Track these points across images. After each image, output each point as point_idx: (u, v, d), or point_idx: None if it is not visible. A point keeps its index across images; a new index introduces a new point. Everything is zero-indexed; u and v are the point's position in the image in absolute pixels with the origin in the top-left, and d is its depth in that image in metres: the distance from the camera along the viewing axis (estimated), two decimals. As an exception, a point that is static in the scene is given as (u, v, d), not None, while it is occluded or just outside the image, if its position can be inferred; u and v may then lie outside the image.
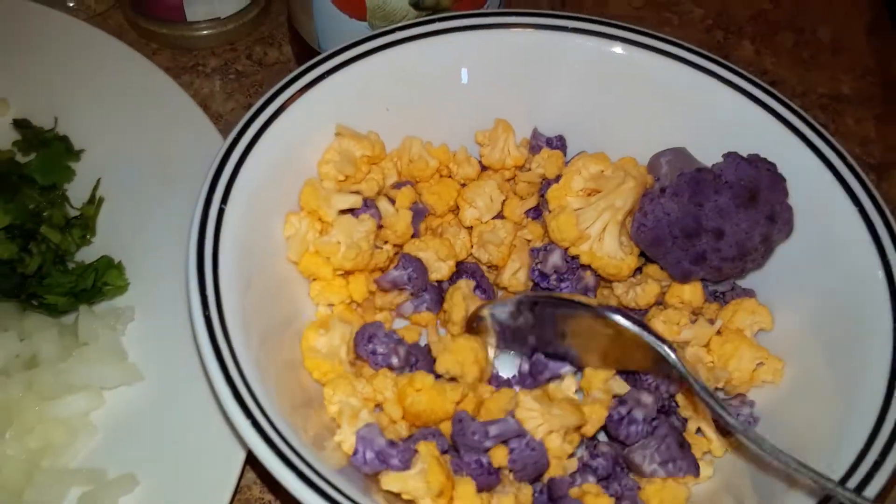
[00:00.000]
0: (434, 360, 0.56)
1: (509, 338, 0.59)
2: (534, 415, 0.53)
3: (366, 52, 0.63)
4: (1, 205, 0.61)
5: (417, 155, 0.65)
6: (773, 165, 0.58)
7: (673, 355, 0.52)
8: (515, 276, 0.63)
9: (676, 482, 0.54)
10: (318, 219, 0.59)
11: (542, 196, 0.66)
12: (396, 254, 0.63)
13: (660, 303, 0.62)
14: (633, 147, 0.65)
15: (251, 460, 0.56)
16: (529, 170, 0.67)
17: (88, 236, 0.65)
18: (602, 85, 0.66)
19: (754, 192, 0.58)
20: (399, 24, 0.64)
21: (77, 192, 0.67)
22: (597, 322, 0.54)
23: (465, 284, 0.61)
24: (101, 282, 0.60)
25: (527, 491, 0.53)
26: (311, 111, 0.60)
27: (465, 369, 0.55)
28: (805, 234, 0.59)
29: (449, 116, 0.66)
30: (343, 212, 0.60)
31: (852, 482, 0.48)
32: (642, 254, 0.61)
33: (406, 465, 0.51)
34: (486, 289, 0.63)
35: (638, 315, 0.62)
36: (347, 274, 0.60)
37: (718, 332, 0.59)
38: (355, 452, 0.51)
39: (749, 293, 0.61)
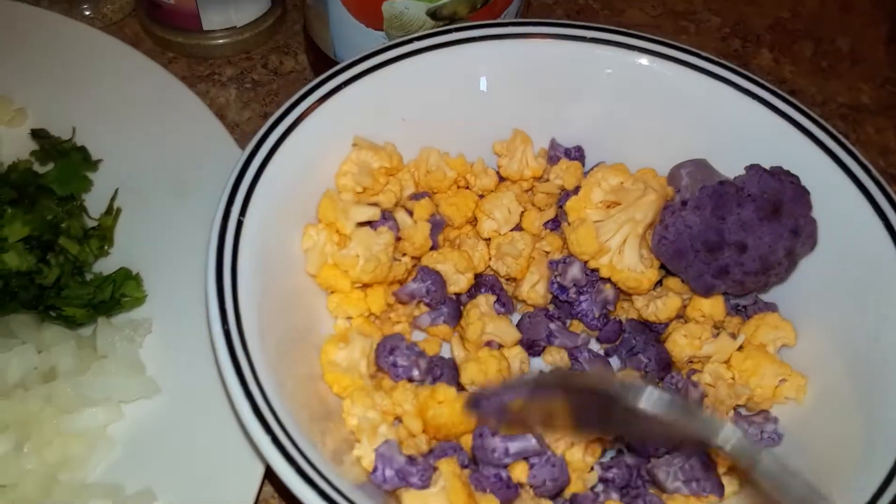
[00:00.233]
0: (457, 372, 0.55)
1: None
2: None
3: (383, 62, 0.62)
4: (19, 216, 0.60)
5: (435, 166, 0.64)
6: (796, 178, 0.58)
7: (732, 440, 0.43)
8: (534, 288, 0.62)
9: (699, 500, 0.53)
10: (336, 231, 0.59)
11: (561, 207, 0.66)
12: (415, 266, 0.62)
13: (680, 316, 0.61)
14: (651, 158, 0.65)
15: (270, 474, 0.56)
16: (548, 181, 0.67)
17: (106, 247, 0.64)
18: (620, 95, 0.65)
19: (778, 206, 0.57)
20: (416, 35, 0.64)
21: (94, 203, 0.67)
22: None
23: (484, 301, 0.60)
24: (118, 293, 0.60)
25: (548, 507, 0.53)
26: (328, 122, 0.60)
27: (489, 378, 0.55)
28: (828, 247, 0.59)
29: (466, 127, 0.66)
30: (361, 224, 0.59)
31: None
32: (662, 266, 0.61)
33: (426, 483, 0.50)
34: (505, 302, 0.63)
35: (658, 329, 0.61)
36: (365, 286, 0.60)
37: (740, 348, 0.58)
38: (374, 470, 0.51)
39: (772, 307, 0.61)
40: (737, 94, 0.63)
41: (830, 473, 0.51)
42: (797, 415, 0.56)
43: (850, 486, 0.48)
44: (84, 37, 0.77)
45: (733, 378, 0.57)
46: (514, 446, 0.51)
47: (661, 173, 0.64)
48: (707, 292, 0.59)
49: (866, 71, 0.88)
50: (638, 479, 0.55)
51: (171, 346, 0.60)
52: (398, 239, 0.62)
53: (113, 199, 0.67)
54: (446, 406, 0.53)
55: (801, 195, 0.57)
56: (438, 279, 0.60)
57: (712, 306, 0.60)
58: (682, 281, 0.60)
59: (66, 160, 0.67)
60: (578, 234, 0.59)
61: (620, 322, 0.62)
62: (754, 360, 0.57)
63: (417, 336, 0.62)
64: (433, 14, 0.67)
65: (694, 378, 0.58)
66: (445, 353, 0.61)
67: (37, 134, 0.70)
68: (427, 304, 0.60)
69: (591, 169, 0.65)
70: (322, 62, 0.75)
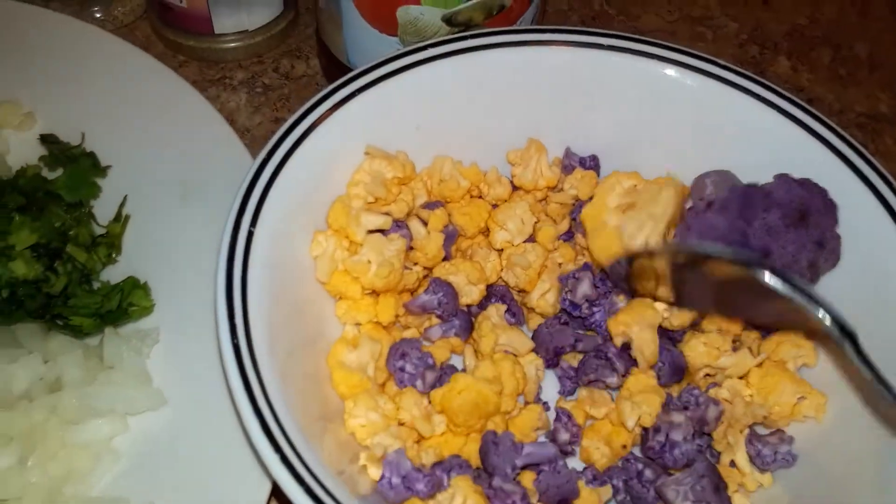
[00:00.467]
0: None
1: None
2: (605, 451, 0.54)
3: (397, 69, 0.61)
4: (27, 223, 0.60)
5: (449, 175, 0.63)
6: (824, 191, 0.56)
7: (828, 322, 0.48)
8: (544, 297, 0.61)
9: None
10: (346, 237, 0.58)
11: (574, 219, 0.65)
12: (426, 276, 0.62)
13: (696, 324, 0.60)
14: (667, 167, 0.64)
15: (277, 490, 0.55)
16: (562, 190, 0.66)
17: (114, 255, 0.64)
18: (637, 104, 0.64)
19: (805, 214, 0.56)
20: (431, 41, 0.63)
21: (102, 209, 0.67)
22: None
23: (495, 311, 0.59)
24: (126, 303, 0.60)
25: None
26: (341, 130, 0.59)
27: (503, 378, 0.55)
28: (849, 262, 0.58)
29: (480, 135, 0.65)
30: (371, 231, 0.58)
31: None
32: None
33: (431, 491, 0.50)
34: (515, 312, 0.62)
35: (676, 336, 0.60)
36: (375, 294, 0.59)
37: (759, 364, 0.57)
38: (382, 477, 0.51)
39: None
40: (755, 104, 0.62)
41: (846, 495, 0.50)
42: (814, 435, 0.55)
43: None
44: (94, 39, 0.76)
45: (751, 395, 0.56)
46: (526, 451, 0.51)
47: (676, 182, 0.63)
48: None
49: (885, 78, 0.87)
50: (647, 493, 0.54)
51: (178, 357, 0.59)
52: (410, 248, 0.61)
53: (122, 205, 0.66)
54: (468, 393, 0.53)
55: (830, 208, 0.56)
56: (450, 291, 0.59)
57: (729, 318, 0.58)
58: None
59: (76, 166, 0.67)
60: (602, 241, 0.58)
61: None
62: (773, 377, 0.56)
63: (426, 342, 0.61)
64: (448, 20, 0.66)
65: (711, 393, 0.57)
66: (454, 361, 0.60)
67: (46, 139, 0.69)
68: (439, 317, 0.59)
69: (604, 178, 0.63)
70: (334, 67, 0.74)
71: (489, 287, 0.63)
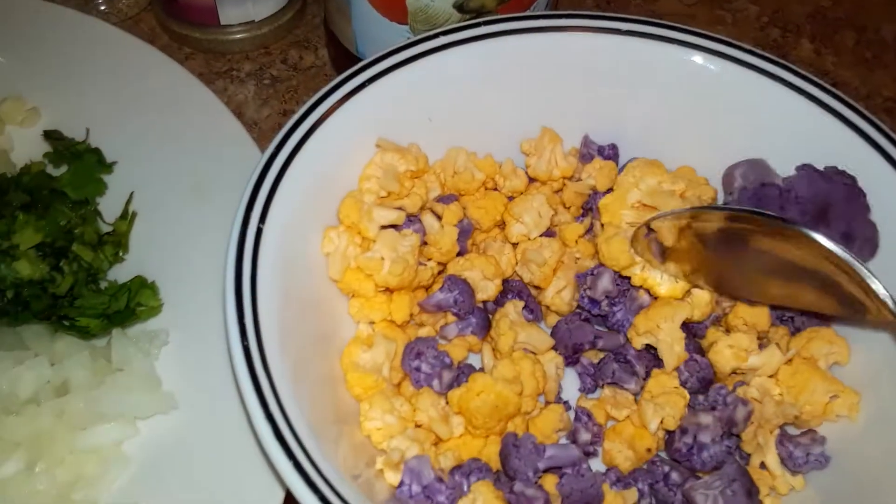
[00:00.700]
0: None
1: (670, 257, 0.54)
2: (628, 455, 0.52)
3: (408, 58, 0.59)
4: (32, 222, 0.59)
5: (463, 167, 0.61)
6: (851, 179, 0.54)
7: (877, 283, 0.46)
8: (559, 294, 0.60)
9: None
10: (359, 233, 0.57)
11: (591, 209, 0.63)
12: (440, 272, 0.60)
13: (717, 318, 0.58)
14: (689, 155, 0.62)
15: (290, 496, 0.54)
16: (580, 180, 0.64)
17: (121, 253, 0.62)
18: (657, 90, 0.62)
19: (825, 208, 0.54)
20: (442, 29, 0.61)
21: (108, 207, 0.65)
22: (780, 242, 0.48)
23: (512, 307, 0.58)
24: (134, 303, 0.58)
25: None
26: (351, 122, 0.57)
27: (523, 378, 0.53)
28: (881, 253, 0.55)
29: (494, 125, 0.63)
30: (384, 227, 0.57)
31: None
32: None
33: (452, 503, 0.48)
34: (533, 308, 0.60)
35: (697, 331, 0.58)
36: (389, 292, 0.57)
37: (788, 361, 0.55)
38: (401, 484, 0.49)
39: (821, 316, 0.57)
40: (781, 89, 0.60)
41: (882, 499, 0.48)
42: (847, 435, 0.53)
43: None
44: (98, 32, 0.75)
45: (781, 394, 0.54)
46: (548, 453, 0.49)
47: (699, 171, 0.61)
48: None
49: (913, 61, 0.84)
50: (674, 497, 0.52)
51: (187, 358, 0.58)
52: (423, 243, 0.59)
53: (128, 202, 0.65)
54: (487, 394, 0.51)
55: (855, 196, 0.54)
56: (466, 288, 0.57)
57: (756, 314, 0.57)
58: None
59: (81, 162, 0.66)
60: (610, 247, 0.56)
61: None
62: (804, 375, 0.53)
63: (442, 341, 0.59)
64: (460, 7, 0.64)
65: (739, 392, 0.55)
66: (471, 359, 0.59)
67: (50, 135, 0.68)
68: (455, 315, 0.58)
69: (627, 164, 0.61)
70: (343, 57, 0.72)
71: (505, 282, 0.61)
